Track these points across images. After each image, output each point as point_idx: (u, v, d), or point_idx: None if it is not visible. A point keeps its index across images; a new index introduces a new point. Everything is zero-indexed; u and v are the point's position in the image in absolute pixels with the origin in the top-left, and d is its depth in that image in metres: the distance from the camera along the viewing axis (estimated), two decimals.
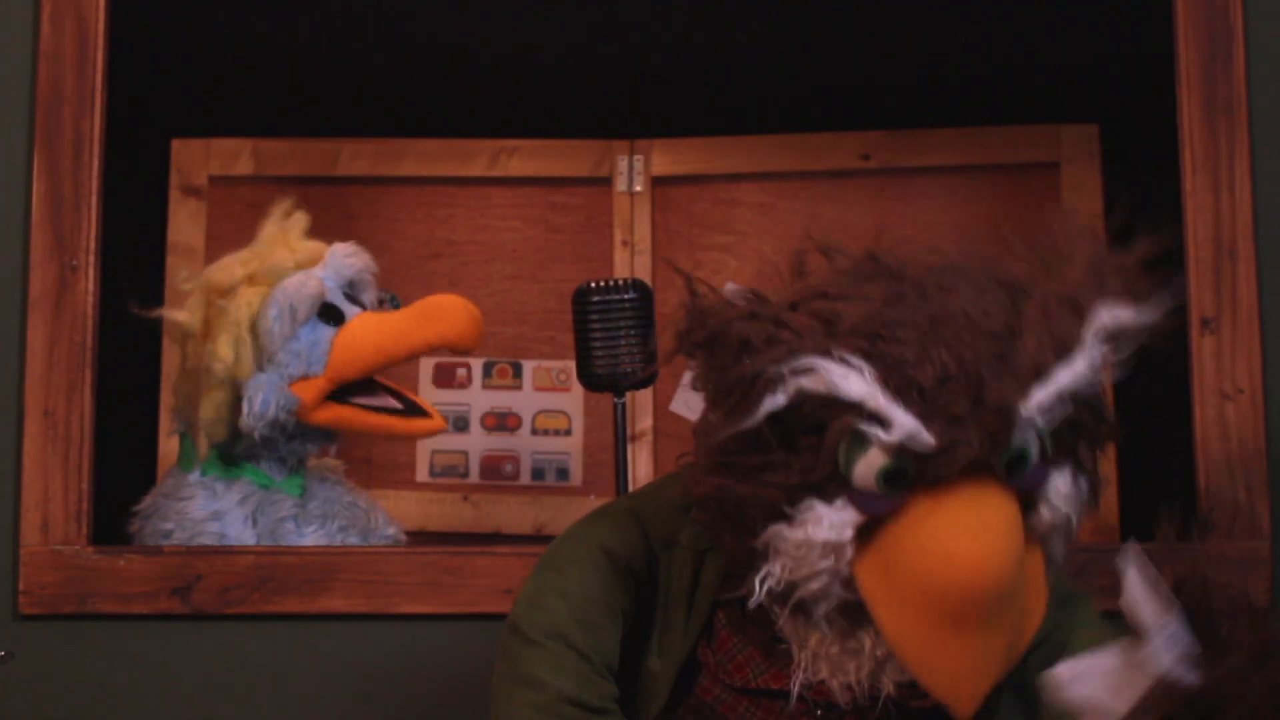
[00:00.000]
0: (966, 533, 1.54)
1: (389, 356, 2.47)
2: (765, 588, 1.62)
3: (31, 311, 2.23)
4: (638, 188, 3.31)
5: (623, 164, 3.32)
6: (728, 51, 3.23)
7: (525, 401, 3.32)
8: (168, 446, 3.09)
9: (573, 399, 3.29)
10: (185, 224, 3.27)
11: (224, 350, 2.39)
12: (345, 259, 2.51)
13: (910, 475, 1.56)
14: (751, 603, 1.63)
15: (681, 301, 1.66)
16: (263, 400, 2.40)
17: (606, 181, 3.33)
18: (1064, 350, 1.58)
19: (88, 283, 2.24)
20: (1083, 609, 1.79)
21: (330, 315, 2.47)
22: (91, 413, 2.23)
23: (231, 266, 2.45)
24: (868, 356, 1.55)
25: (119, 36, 2.30)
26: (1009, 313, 1.59)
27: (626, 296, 2.46)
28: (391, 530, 2.59)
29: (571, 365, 2.56)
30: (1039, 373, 1.56)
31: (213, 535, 2.42)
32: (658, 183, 3.32)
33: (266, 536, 2.45)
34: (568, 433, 3.31)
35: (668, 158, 3.33)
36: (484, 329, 2.52)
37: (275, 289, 2.42)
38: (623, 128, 3.32)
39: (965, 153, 3.26)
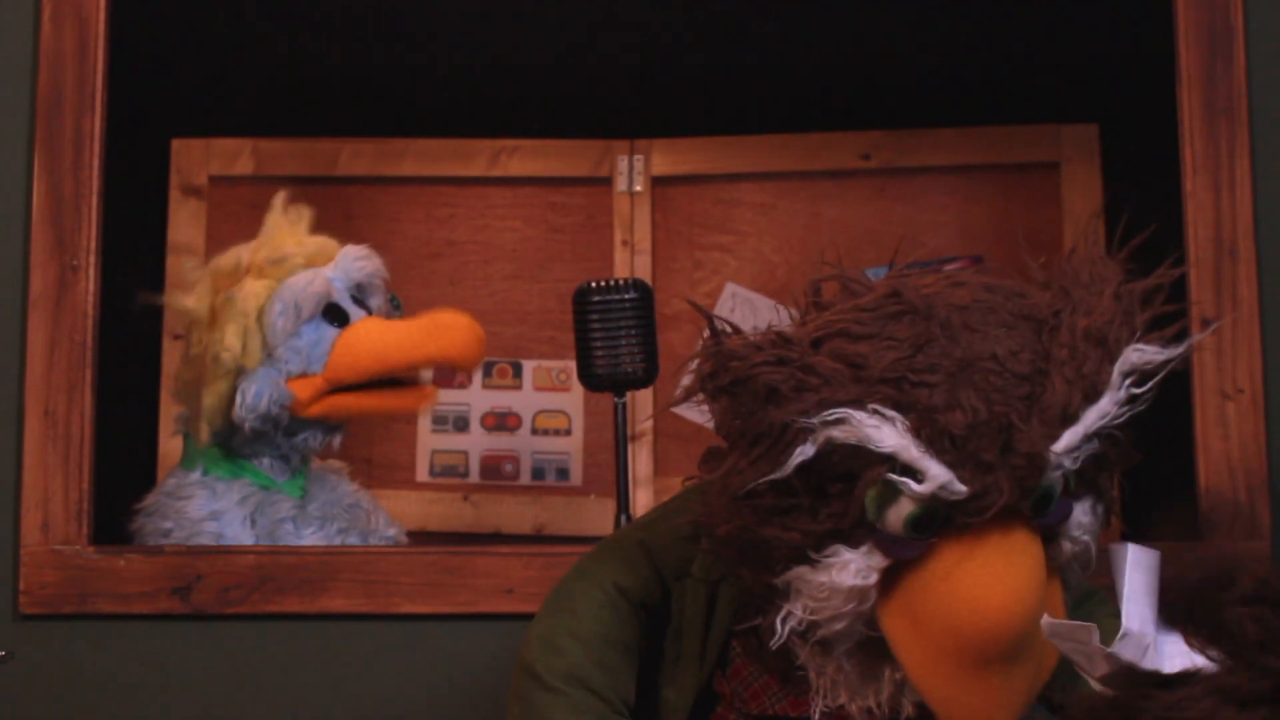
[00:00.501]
0: (994, 578, 1.54)
1: (388, 366, 2.47)
2: (787, 627, 1.61)
3: (32, 311, 2.23)
4: (638, 188, 3.31)
5: (623, 164, 3.32)
6: (728, 51, 3.23)
7: (525, 401, 3.32)
8: (168, 446, 3.09)
9: (573, 399, 3.29)
10: (185, 224, 3.27)
11: (232, 340, 2.40)
12: (355, 262, 2.51)
13: (939, 520, 1.56)
14: (774, 643, 1.62)
15: (703, 342, 1.64)
16: (255, 393, 2.41)
17: (606, 181, 3.32)
18: (1092, 391, 1.58)
19: (88, 283, 2.24)
20: (1101, 603, 1.79)
21: (335, 316, 2.47)
22: (91, 413, 2.23)
23: (239, 253, 2.46)
24: (898, 405, 1.54)
25: (119, 36, 2.30)
26: (1036, 353, 1.58)
27: (627, 296, 2.46)
28: (392, 531, 2.59)
29: (571, 365, 2.55)
30: (1067, 415, 1.57)
31: (211, 535, 2.42)
32: (658, 183, 3.32)
33: (265, 537, 2.45)
34: (568, 433, 3.30)
35: (668, 158, 3.33)
36: (485, 348, 2.51)
37: (282, 284, 2.42)
38: (623, 128, 3.32)
39: (965, 153, 3.26)
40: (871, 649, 1.63)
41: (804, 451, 1.54)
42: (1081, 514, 1.64)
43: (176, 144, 3.29)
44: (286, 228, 2.51)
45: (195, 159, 3.30)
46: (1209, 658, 1.46)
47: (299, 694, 2.21)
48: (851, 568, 1.57)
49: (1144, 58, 2.50)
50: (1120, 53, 3.02)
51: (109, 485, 2.31)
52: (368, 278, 2.53)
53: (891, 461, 1.54)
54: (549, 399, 3.31)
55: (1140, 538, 1.78)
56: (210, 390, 2.43)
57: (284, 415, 2.45)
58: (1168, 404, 2.31)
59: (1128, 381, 1.60)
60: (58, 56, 2.26)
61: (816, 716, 1.70)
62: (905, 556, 1.57)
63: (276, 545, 2.40)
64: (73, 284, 2.24)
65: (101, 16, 2.27)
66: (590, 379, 2.47)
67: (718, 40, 3.22)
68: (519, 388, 3.32)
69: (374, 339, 2.47)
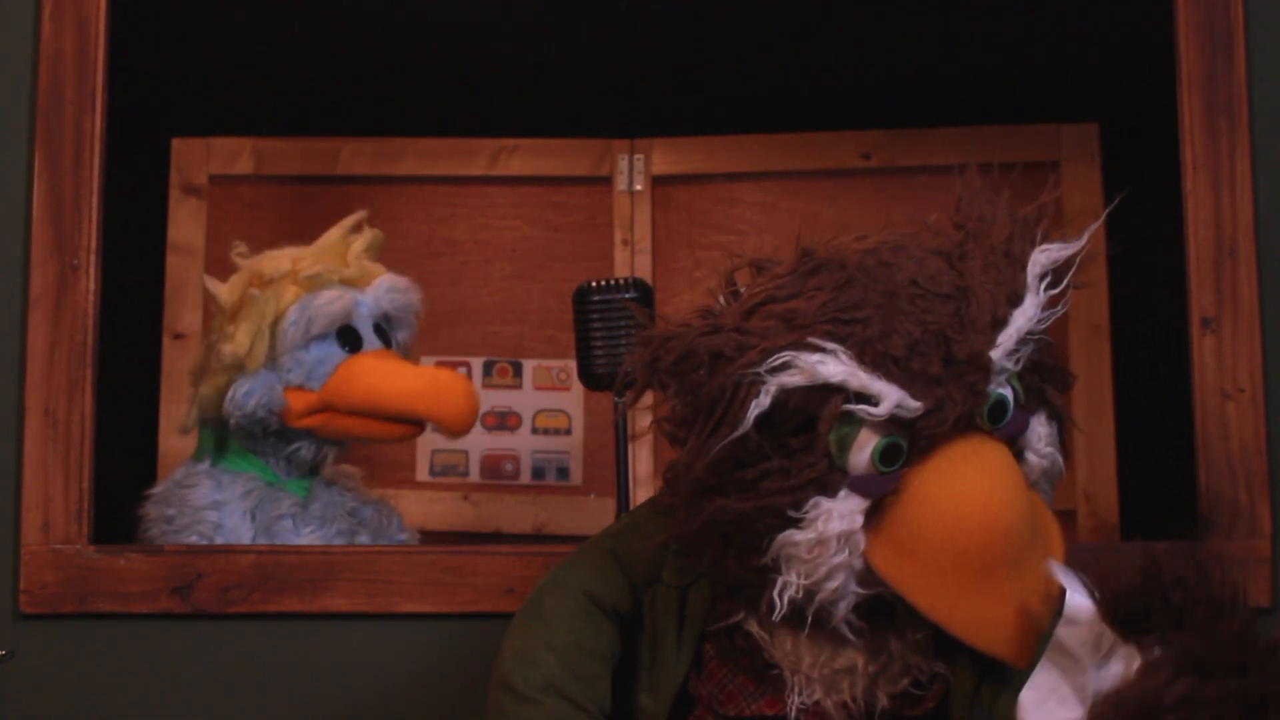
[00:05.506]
0: (971, 482, 1.58)
1: (379, 410, 2.46)
2: (786, 598, 1.62)
3: (32, 311, 2.23)
4: (638, 187, 3.31)
5: (623, 163, 3.32)
6: (728, 51, 3.23)
7: (525, 401, 3.32)
8: (168, 446, 3.09)
9: (573, 398, 3.29)
10: (185, 224, 3.27)
11: (242, 338, 2.41)
12: (389, 292, 2.51)
13: (904, 449, 1.59)
14: (775, 616, 1.63)
15: (638, 338, 1.69)
16: (246, 393, 2.42)
17: (607, 181, 3.33)
18: (1013, 295, 1.64)
19: (88, 282, 2.24)
20: None
21: (348, 339, 2.47)
22: (92, 412, 2.23)
23: (282, 260, 2.47)
24: (836, 340, 1.59)
25: (119, 36, 2.30)
26: (954, 275, 1.64)
27: (627, 296, 2.45)
28: (403, 536, 2.59)
29: (572, 364, 2.55)
30: (997, 319, 1.62)
31: (210, 523, 2.44)
32: (658, 182, 3.32)
33: (263, 532, 2.46)
34: (568, 432, 3.31)
35: (668, 157, 3.33)
36: (478, 414, 2.49)
37: (306, 295, 2.43)
38: (623, 127, 3.32)
39: (965, 152, 3.25)
40: (873, 615, 1.64)
41: (760, 404, 1.57)
42: (1039, 425, 1.67)
43: (176, 143, 3.30)
44: (339, 244, 2.51)
45: (195, 158, 3.30)
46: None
47: (299, 694, 2.21)
48: (835, 514, 1.59)
49: (1144, 58, 2.50)
50: (1120, 53, 3.02)
51: (109, 485, 2.31)
52: (398, 311, 2.52)
53: (844, 394, 1.57)
54: (549, 398, 3.32)
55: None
56: (209, 381, 2.45)
57: (274, 420, 2.45)
58: (1168, 403, 2.33)
59: (1043, 283, 1.66)
60: (58, 56, 2.26)
61: (793, 714, 1.71)
62: (881, 492, 1.60)
63: (276, 545, 2.40)
64: (73, 284, 2.24)
65: (101, 16, 2.27)
66: (590, 378, 2.47)
67: (718, 40, 3.22)
68: (519, 387, 3.32)
69: (373, 378, 2.45)
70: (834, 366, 1.57)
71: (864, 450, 1.59)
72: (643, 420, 1.77)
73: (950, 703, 1.73)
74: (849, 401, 1.57)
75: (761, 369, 1.57)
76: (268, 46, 3.24)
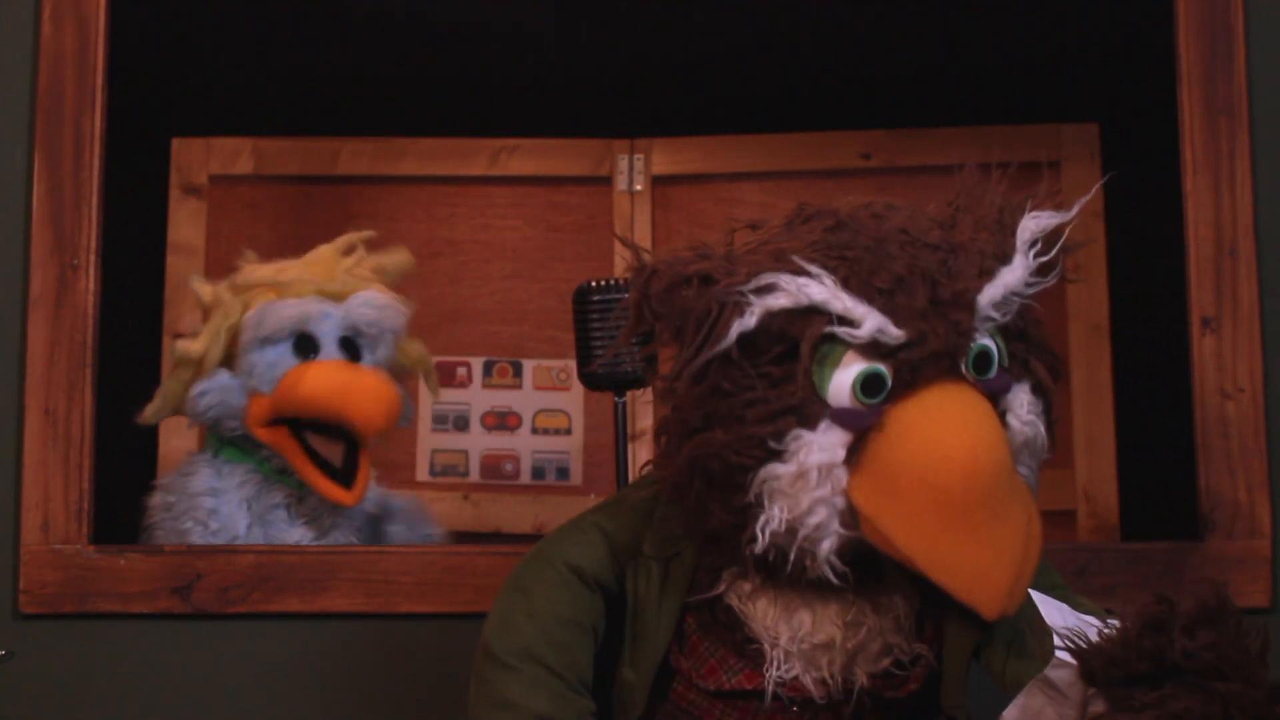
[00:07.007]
0: (953, 424, 1.59)
1: (307, 412, 2.45)
2: (769, 532, 1.63)
3: (32, 311, 2.23)
4: (638, 187, 3.31)
5: (623, 163, 3.32)
6: (728, 51, 3.23)
7: (525, 401, 3.32)
8: (168, 446, 3.10)
9: (573, 398, 3.29)
10: (185, 224, 3.28)
11: (203, 339, 2.44)
12: (361, 307, 2.50)
13: (886, 381, 1.61)
14: (758, 548, 1.64)
15: (631, 267, 1.71)
16: (201, 393, 2.45)
17: (607, 181, 3.33)
18: (1002, 255, 1.66)
19: (88, 282, 2.24)
20: (1049, 574, 1.80)
21: (305, 347, 2.47)
22: (92, 412, 2.23)
23: (266, 270, 2.49)
24: (825, 268, 1.62)
25: (119, 36, 2.30)
26: (944, 233, 1.67)
27: (627, 295, 2.45)
28: (431, 530, 2.62)
29: (572, 364, 2.55)
30: (985, 271, 1.64)
31: (206, 509, 2.46)
32: (658, 182, 3.32)
33: (257, 522, 2.47)
34: (568, 432, 3.31)
35: (668, 157, 3.33)
36: (395, 418, 2.46)
37: (266, 303, 2.45)
38: (623, 126, 3.32)
39: (965, 152, 3.25)
40: (857, 561, 1.65)
41: (744, 323, 1.60)
42: (1022, 393, 1.68)
43: (177, 143, 3.30)
44: (329, 259, 2.53)
45: (195, 158, 3.30)
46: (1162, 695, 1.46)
47: (299, 694, 2.21)
48: (815, 445, 1.60)
49: (1144, 58, 2.50)
50: (1120, 53, 3.02)
51: (109, 485, 2.31)
52: (368, 326, 2.51)
53: (827, 317, 1.60)
54: (549, 398, 3.32)
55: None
56: (174, 376, 2.48)
57: (235, 425, 2.47)
58: (1168, 403, 2.33)
59: (1033, 250, 1.68)
60: (58, 56, 2.26)
61: (771, 687, 1.72)
62: (862, 426, 1.61)
63: (276, 545, 2.40)
64: (73, 284, 2.24)
65: (101, 16, 2.27)
66: (590, 378, 2.47)
67: (718, 39, 3.22)
68: (519, 387, 3.32)
69: (307, 384, 2.44)
70: (817, 289, 1.60)
71: (846, 374, 1.60)
72: (644, 418, 1.77)
73: (939, 687, 1.72)
74: (831, 324, 1.60)
75: (747, 289, 1.60)
76: (268, 46, 3.24)
